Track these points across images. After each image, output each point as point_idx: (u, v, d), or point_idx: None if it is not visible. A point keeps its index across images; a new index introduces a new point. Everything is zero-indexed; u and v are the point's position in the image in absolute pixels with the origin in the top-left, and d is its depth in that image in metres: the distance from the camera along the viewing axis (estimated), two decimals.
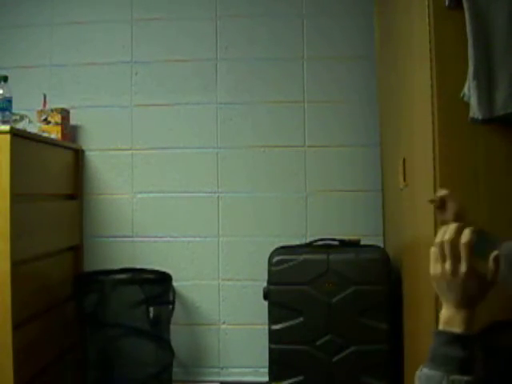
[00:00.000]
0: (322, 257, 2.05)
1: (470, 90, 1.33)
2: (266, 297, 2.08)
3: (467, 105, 1.35)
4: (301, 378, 2.02)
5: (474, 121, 1.35)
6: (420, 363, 0.93)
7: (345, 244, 2.19)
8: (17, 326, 1.79)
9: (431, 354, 0.91)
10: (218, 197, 2.51)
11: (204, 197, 2.51)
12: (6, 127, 1.81)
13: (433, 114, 1.40)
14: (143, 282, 2.23)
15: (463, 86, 1.36)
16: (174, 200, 2.52)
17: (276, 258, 2.08)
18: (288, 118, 2.50)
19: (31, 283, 1.98)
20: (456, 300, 0.91)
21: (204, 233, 2.50)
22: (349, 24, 2.50)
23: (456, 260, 0.90)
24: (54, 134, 2.37)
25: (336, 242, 2.20)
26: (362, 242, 2.24)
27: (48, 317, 2.09)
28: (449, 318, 0.92)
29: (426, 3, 1.42)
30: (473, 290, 0.90)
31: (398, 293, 1.98)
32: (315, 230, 2.46)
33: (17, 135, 1.85)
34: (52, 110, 2.40)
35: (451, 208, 1.19)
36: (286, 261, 2.07)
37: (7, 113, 1.93)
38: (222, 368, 2.49)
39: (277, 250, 2.16)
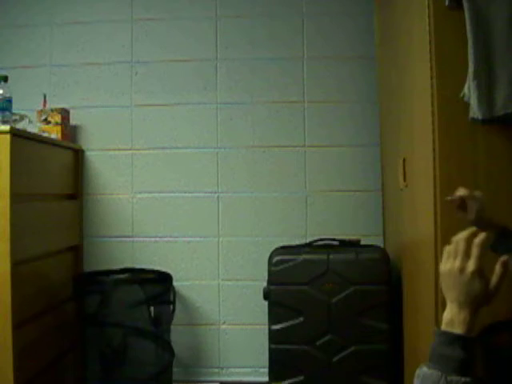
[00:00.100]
0: (321, 257, 2.05)
1: (470, 90, 1.33)
2: (266, 297, 2.08)
3: (467, 105, 1.35)
4: (301, 377, 2.02)
5: (474, 121, 1.35)
6: (420, 363, 0.94)
7: (345, 244, 2.19)
8: (17, 326, 1.79)
9: (431, 353, 0.91)
10: (218, 197, 2.51)
11: (204, 197, 2.51)
12: (6, 127, 1.81)
13: (433, 113, 1.41)
14: (143, 282, 2.23)
15: (463, 86, 1.36)
16: (174, 200, 2.52)
17: (276, 258, 2.08)
18: (288, 118, 2.51)
19: (31, 283, 1.98)
20: (459, 299, 0.91)
21: (204, 233, 2.50)
22: (349, 24, 2.50)
23: (466, 258, 0.91)
24: (54, 134, 2.37)
25: (336, 242, 2.20)
26: (362, 242, 2.24)
27: (48, 317, 2.09)
28: (451, 318, 0.92)
29: (426, 3, 1.42)
30: (477, 291, 0.90)
31: (398, 293, 1.98)
32: (315, 230, 2.46)
33: (17, 135, 1.85)
34: (52, 110, 2.40)
35: (472, 207, 1.19)
36: (286, 261, 2.07)
37: (7, 113, 1.93)
38: (222, 368, 2.49)
39: (277, 249, 2.16)
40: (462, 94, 1.36)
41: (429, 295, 1.45)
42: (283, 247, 2.19)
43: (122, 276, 2.36)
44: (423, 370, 0.91)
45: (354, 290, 2.01)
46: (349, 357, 2.00)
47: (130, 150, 2.54)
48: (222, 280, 2.50)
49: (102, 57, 2.56)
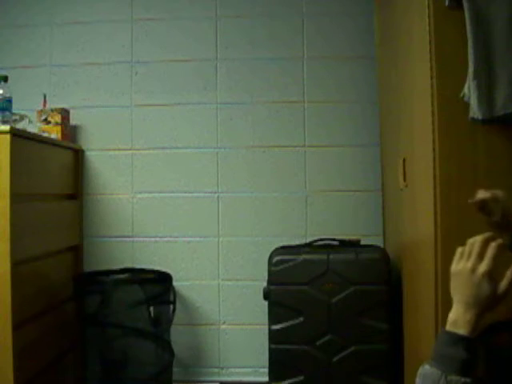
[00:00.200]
0: (321, 257, 2.05)
1: (470, 90, 1.33)
2: (266, 297, 2.08)
3: (467, 105, 1.35)
4: (301, 377, 2.02)
5: (474, 121, 1.35)
6: (420, 363, 0.94)
7: (345, 244, 2.19)
8: (17, 326, 1.79)
9: (434, 352, 0.92)
10: (218, 197, 2.51)
11: (204, 197, 2.51)
12: (6, 127, 1.81)
13: (433, 113, 1.41)
14: (143, 282, 2.23)
15: (463, 86, 1.36)
16: (174, 200, 2.52)
17: (276, 258, 2.08)
18: (288, 118, 2.50)
19: (31, 283, 1.98)
20: (467, 300, 0.92)
21: (204, 233, 2.50)
22: (349, 24, 2.50)
23: (479, 260, 0.92)
24: (54, 134, 2.37)
25: (336, 242, 2.20)
26: (362, 242, 2.24)
27: (48, 317, 2.09)
28: (455, 318, 0.92)
29: (426, 3, 1.42)
30: (486, 294, 0.91)
31: (398, 293, 1.98)
32: (315, 230, 2.46)
33: (17, 135, 1.85)
34: (52, 110, 2.40)
35: (495, 209, 1.18)
36: (286, 261, 2.07)
37: (7, 113, 1.93)
38: (222, 368, 2.49)
39: (277, 249, 2.16)
40: (462, 94, 1.36)
41: (429, 295, 1.45)
42: (283, 247, 2.19)
43: (121, 276, 2.36)
44: (425, 368, 0.92)
45: (354, 290, 2.01)
46: (349, 357, 2.00)
47: (130, 150, 2.54)
48: (222, 280, 2.50)
49: (102, 57, 2.56)
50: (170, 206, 2.52)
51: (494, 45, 1.31)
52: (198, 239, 2.51)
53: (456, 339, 0.90)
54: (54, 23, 2.58)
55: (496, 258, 0.91)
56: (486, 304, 0.91)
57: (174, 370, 2.35)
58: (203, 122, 2.53)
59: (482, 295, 0.91)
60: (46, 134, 2.33)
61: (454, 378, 0.87)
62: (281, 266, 2.06)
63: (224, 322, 2.49)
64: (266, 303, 2.10)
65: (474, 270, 0.92)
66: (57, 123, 2.39)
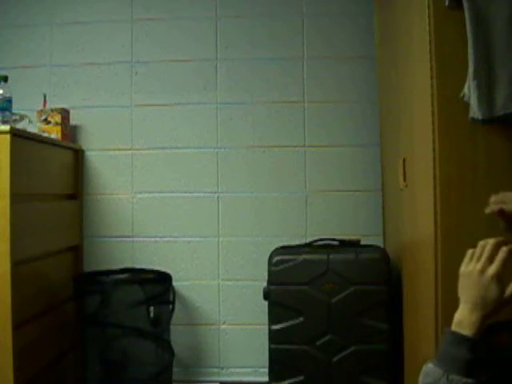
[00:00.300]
0: (321, 257, 2.05)
1: (470, 90, 1.33)
2: (266, 297, 2.08)
3: (467, 105, 1.35)
4: (301, 377, 2.02)
5: (474, 121, 1.35)
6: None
7: (345, 244, 2.19)
8: (17, 326, 1.79)
9: (438, 351, 0.93)
10: (218, 197, 2.51)
11: (204, 197, 2.51)
12: (6, 127, 1.81)
13: (433, 113, 1.40)
14: (143, 282, 2.23)
15: (463, 86, 1.36)
16: (174, 200, 2.52)
17: (276, 258, 2.08)
18: (288, 118, 2.50)
19: (31, 283, 1.98)
20: (473, 301, 0.93)
21: (204, 233, 2.50)
22: (349, 24, 2.50)
23: (489, 262, 0.93)
24: (54, 134, 2.37)
25: (336, 242, 2.20)
26: (362, 242, 2.24)
27: (48, 317, 2.09)
28: (461, 319, 0.93)
29: (426, 3, 1.42)
30: (492, 296, 0.91)
31: (398, 293, 1.98)
32: (315, 230, 2.46)
33: (17, 135, 1.85)
34: (52, 110, 2.40)
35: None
36: (286, 261, 2.07)
37: (7, 113, 1.93)
38: (222, 368, 2.49)
39: (277, 249, 2.16)
40: (462, 94, 1.36)
41: (429, 295, 1.45)
42: (283, 247, 2.19)
43: (122, 276, 2.36)
44: (428, 367, 0.93)
45: (354, 290, 2.01)
46: (349, 357, 2.00)
47: (130, 150, 2.54)
48: (222, 280, 2.50)
49: (102, 57, 2.56)
50: (170, 206, 2.52)
51: (494, 45, 1.31)
52: (198, 239, 2.51)
53: (460, 339, 0.90)
54: (54, 23, 2.58)
55: (506, 262, 0.92)
56: (493, 307, 0.91)
57: (174, 370, 2.35)
58: (203, 122, 2.53)
59: (489, 297, 0.91)
60: (46, 134, 2.33)
61: (456, 377, 0.88)
62: (281, 266, 2.06)
63: (224, 322, 2.49)
64: (266, 303, 2.10)
65: (483, 271, 0.93)
66: (57, 123, 2.39)
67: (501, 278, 0.91)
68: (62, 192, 2.37)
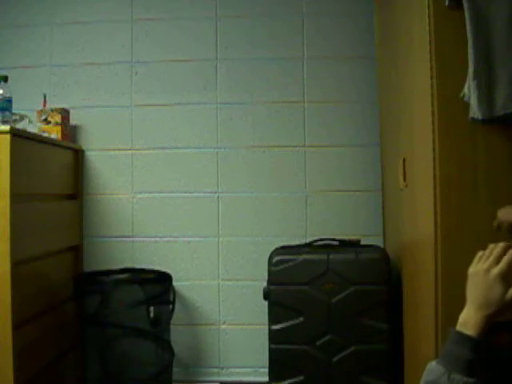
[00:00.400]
0: (321, 257, 2.05)
1: (470, 90, 1.33)
2: (266, 297, 2.08)
3: (467, 105, 1.35)
4: (301, 377, 2.02)
5: (474, 121, 1.35)
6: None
7: (345, 244, 2.19)
8: (17, 326, 1.79)
9: (442, 350, 0.94)
10: (218, 197, 2.51)
11: (204, 197, 2.51)
12: (6, 127, 1.81)
13: (433, 113, 1.40)
14: (143, 282, 2.23)
15: (463, 86, 1.36)
16: (174, 200, 2.52)
17: (276, 258, 2.08)
18: (288, 118, 2.50)
19: (31, 283, 1.98)
20: (478, 301, 0.93)
21: (204, 233, 2.50)
22: (349, 24, 2.50)
23: (495, 262, 0.94)
24: (54, 134, 2.37)
25: (336, 242, 2.20)
26: (362, 242, 2.24)
27: (48, 317, 2.09)
28: (466, 319, 0.94)
29: (426, 3, 1.42)
30: (496, 296, 0.92)
31: (398, 293, 1.98)
32: (315, 230, 2.46)
33: (17, 135, 1.85)
34: (52, 110, 2.40)
35: None
36: (286, 261, 2.07)
37: (7, 113, 1.93)
38: (222, 368, 2.49)
39: (277, 249, 2.16)
40: (462, 94, 1.36)
41: (429, 295, 1.45)
42: (283, 247, 2.19)
43: (122, 276, 2.36)
44: (431, 365, 0.94)
45: (354, 290, 2.01)
46: (349, 357, 2.00)
47: (130, 150, 2.54)
48: (222, 280, 2.50)
49: (102, 57, 2.56)
50: (170, 206, 2.52)
51: (494, 45, 1.31)
52: (198, 239, 2.51)
53: (463, 339, 0.91)
54: (54, 23, 2.58)
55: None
56: (496, 307, 0.92)
57: (174, 370, 2.35)
58: (203, 122, 2.53)
59: (492, 297, 0.92)
60: (46, 134, 2.33)
61: (457, 376, 0.88)
62: (281, 266, 2.06)
63: (224, 322, 2.49)
64: (266, 303, 2.10)
65: (488, 271, 0.94)
66: (57, 123, 2.39)
67: (506, 279, 0.92)
68: (62, 192, 2.37)
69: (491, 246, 0.97)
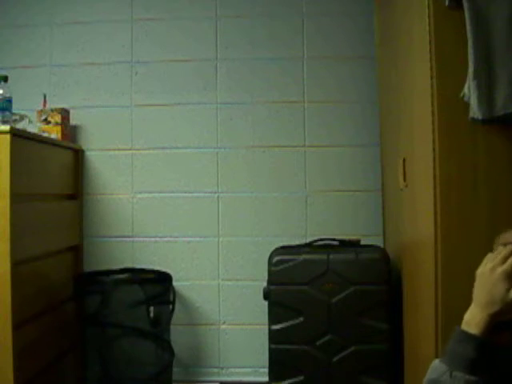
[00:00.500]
0: (321, 257, 2.05)
1: (470, 90, 1.33)
2: (266, 297, 2.08)
3: (467, 105, 1.35)
4: (301, 377, 2.02)
5: (474, 121, 1.35)
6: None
7: (345, 244, 2.19)
8: (17, 326, 1.79)
9: (446, 348, 0.94)
10: (218, 197, 2.51)
11: (204, 197, 2.51)
12: (6, 127, 1.81)
13: (433, 113, 1.40)
14: (143, 282, 2.23)
15: (463, 86, 1.36)
16: (174, 200, 2.52)
17: (276, 258, 2.08)
18: (288, 118, 2.51)
19: (31, 283, 1.98)
20: (482, 300, 0.94)
21: (204, 233, 2.50)
22: (349, 24, 2.50)
23: (501, 262, 0.95)
24: (54, 134, 2.37)
25: (336, 242, 2.20)
26: (362, 242, 2.24)
27: (48, 317, 2.09)
28: (470, 318, 0.95)
29: (426, 3, 1.42)
30: (499, 294, 0.93)
31: (398, 293, 1.98)
32: (315, 230, 2.46)
33: (17, 135, 1.85)
34: (52, 110, 2.40)
35: None
36: (286, 261, 2.07)
37: (7, 113, 1.93)
38: (222, 368, 2.49)
39: (277, 249, 2.16)
40: (462, 94, 1.36)
41: (429, 295, 1.45)
42: (283, 247, 2.19)
43: (122, 276, 2.36)
44: (435, 362, 0.95)
45: (354, 290, 2.01)
46: (349, 357, 2.00)
47: (130, 150, 2.54)
48: (222, 280, 2.50)
49: (102, 57, 2.56)
50: (170, 206, 2.52)
51: (494, 45, 1.31)
52: (198, 239, 2.51)
53: (466, 338, 0.92)
54: (54, 23, 2.58)
55: None
56: (499, 306, 0.92)
57: (174, 369, 2.35)
58: (203, 122, 2.53)
59: (496, 295, 0.92)
60: (46, 134, 2.33)
61: (459, 374, 0.89)
62: (281, 266, 2.06)
63: (224, 322, 2.49)
64: (266, 303, 2.10)
65: (493, 269, 0.95)
66: (57, 123, 2.39)
67: (510, 277, 0.92)
68: (62, 192, 2.37)
69: (500, 247, 0.98)
